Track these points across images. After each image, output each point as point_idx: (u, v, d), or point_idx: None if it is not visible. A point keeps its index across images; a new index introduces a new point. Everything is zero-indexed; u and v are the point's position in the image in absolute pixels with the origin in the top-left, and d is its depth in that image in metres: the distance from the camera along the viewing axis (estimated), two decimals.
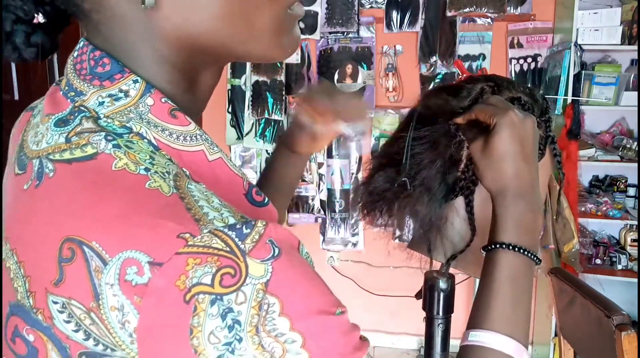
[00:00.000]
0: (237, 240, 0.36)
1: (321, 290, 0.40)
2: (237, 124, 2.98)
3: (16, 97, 2.63)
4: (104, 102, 0.43)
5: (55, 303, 0.38)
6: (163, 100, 0.44)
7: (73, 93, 0.44)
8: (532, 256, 0.58)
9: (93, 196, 0.38)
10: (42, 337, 0.39)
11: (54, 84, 0.48)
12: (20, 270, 0.40)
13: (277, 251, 0.37)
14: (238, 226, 0.37)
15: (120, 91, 0.43)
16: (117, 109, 0.43)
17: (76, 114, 0.43)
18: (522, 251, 0.57)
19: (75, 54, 0.46)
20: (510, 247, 0.57)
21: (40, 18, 0.46)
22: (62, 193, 0.39)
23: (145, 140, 0.42)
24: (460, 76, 0.77)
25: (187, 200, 0.38)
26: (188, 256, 0.35)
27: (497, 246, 0.58)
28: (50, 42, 0.48)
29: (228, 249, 0.36)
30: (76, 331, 0.38)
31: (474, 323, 0.56)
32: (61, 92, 0.46)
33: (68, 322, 0.38)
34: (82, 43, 0.46)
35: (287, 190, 0.84)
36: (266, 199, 0.47)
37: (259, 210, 0.46)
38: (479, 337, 0.54)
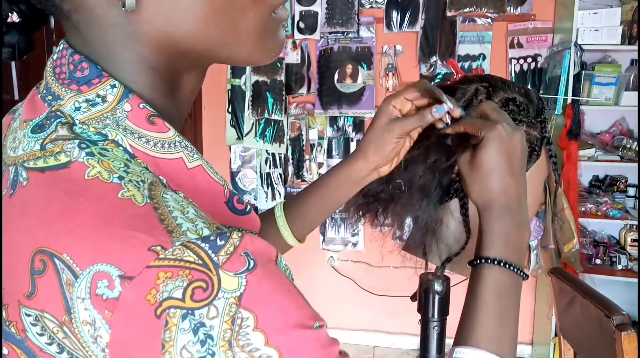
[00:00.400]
0: (210, 252, 0.35)
1: (298, 303, 0.38)
2: (237, 124, 2.99)
3: (16, 97, 2.63)
4: (80, 107, 0.42)
5: (28, 315, 0.37)
6: (141, 106, 0.43)
7: (51, 97, 0.44)
8: (519, 272, 0.57)
9: (65, 206, 0.37)
10: (16, 350, 0.39)
11: (34, 87, 0.47)
12: None
13: (252, 263, 0.36)
14: (212, 238, 0.36)
15: (98, 96, 0.42)
16: (93, 115, 0.42)
17: (52, 120, 0.42)
18: (508, 266, 0.57)
19: (55, 56, 0.45)
20: (496, 262, 0.57)
21: (14, 17, 0.44)
22: (35, 203, 0.38)
23: (121, 148, 0.41)
24: (454, 76, 0.76)
25: (160, 211, 0.37)
26: (159, 269, 0.34)
27: (483, 261, 0.57)
28: (25, 41, 0.46)
29: (200, 262, 0.35)
30: (50, 344, 0.37)
31: (459, 339, 0.56)
32: (39, 96, 0.45)
33: (41, 334, 0.37)
34: (62, 46, 0.45)
35: (332, 209, 0.80)
36: (248, 207, 0.46)
37: (240, 218, 0.45)
38: (464, 354, 0.54)
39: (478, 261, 0.58)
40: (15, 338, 0.38)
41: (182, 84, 0.48)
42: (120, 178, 0.38)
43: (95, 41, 0.43)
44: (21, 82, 2.71)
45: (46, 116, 0.43)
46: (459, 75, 0.76)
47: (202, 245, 0.35)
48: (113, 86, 0.43)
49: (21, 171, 0.41)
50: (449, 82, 0.74)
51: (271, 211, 0.79)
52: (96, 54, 0.44)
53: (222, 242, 0.36)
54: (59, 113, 0.42)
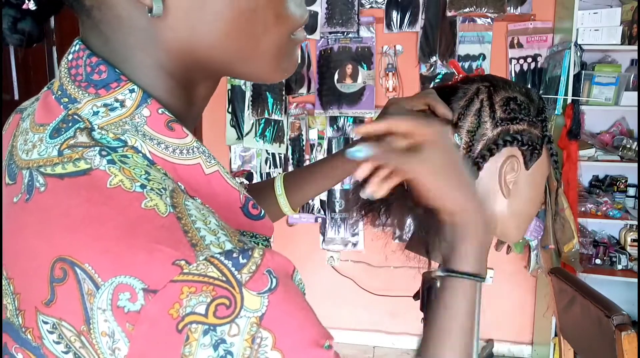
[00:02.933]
0: (233, 269, 0.35)
1: (312, 323, 0.39)
2: (237, 124, 2.99)
3: (16, 97, 2.63)
4: (98, 112, 0.42)
5: (46, 323, 0.37)
6: (160, 111, 0.43)
7: (67, 99, 0.43)
8: (476, 278, 0.58)
9: (87, 215, 0.37)
10: (31, 356, 0.39)
11: (46, 87, 0.47)
12: (10, 286, 0.39)
13: (274, 282, 0.36)
14: (235, 255, 0.36)
15: (116, 100, 0.42)
16: (112, 120, 0.42)
17: (70, 125, 0.42)
18: (460, 275, 0.57)
19: (70, 57, 0.45)
20: (466, 276, 0.57)
21: (31, 5, 0.44)
22: (55, 210, 0.38)
23: (140, 154, 0.41)
24: (456, 76, 0.77)
25: (184, 221, 0.37)
26: (183, 284, 0.34)
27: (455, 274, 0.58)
28: (37, 30, 0.45)
29: (224, 279, 0.35)
30: (66, 353, 0.37)
31: (428, 350, 0.56)
32: (53, 97, 0.44)
33: (58, 342, 0.37)
34: (77, 46, 0.45)
35: (332, 185, 0.85)
36: (262, 212, 0.47)
37: (254, 223, 0.46)
38: None
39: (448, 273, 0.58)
40: (31, 345, 0.38)
41: (196, 92, 0.48)
42: (143, 186, 0.38)
43: (116, 41, 0.43)
44: (21, 83, 2.71)
45: (62, 119, 0.42)
46: (460, 75, 0.76)
47: (226, 261, 0.36)
48: (132, 91, 0.42)
49: (37, 176, 0.40)
50: (450, 83, 0.75)
51: (271, 184, 0.83)
52: (115, 55, 0.43)
53: (245, 260, 0.36)
54: (76, 117, 0.42)
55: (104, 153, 0.40)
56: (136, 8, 0.41)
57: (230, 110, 2.98)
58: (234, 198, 0.45)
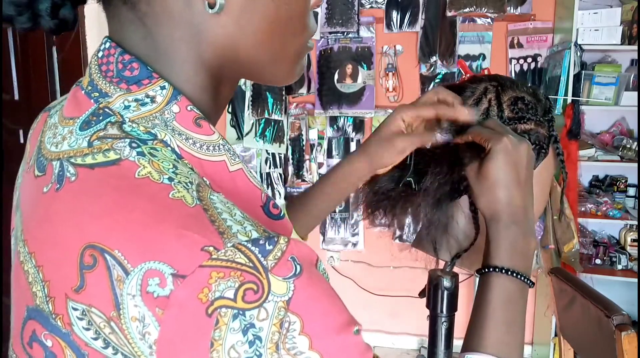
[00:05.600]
0: (259, 256, 0.36)
1: (339, 309, 0.40)
2: (237, 124, 2.99)
3: (16, 97, 2.63)
4: (129, 106, 0.43)
5: (75, 309, 0.38)
6: (189, 108, 0.44)
7: (97, 94, 0.44)
8: (525, 279, 0.59)
9: (116, 203, 0.38)
10: (61, 343, 0.39)
11: (75, 84, 0.48)
12: (39, 274, 0.40)
13: (298, 269, 0.37)
14: (261, 242, 0.37)
15: (147, 96, 0.43)
16: (142, 115, 0.43)
17: (101, 117, 0.43)
18: (514, 274, 0.58)
19: (100, 54, 0.46)
20: (504, 271, 0.58)
21: None
22: (84, 198, 0.39)
23: (169, 148, 0.42)
24: (463, 76, 0.77)
25: (210, 212, 0.38)
26: (212, 269, 0.35)
27: (491, 269, 0.59)
28: (73, 17, 0.46)
29: (251, 265, 0.36)
30: (95, 339, 0.38)
31: (469, 345, 0.57)
32: (83, 92, 0.45)
33: (87, 329, 0.38)
34: (108, 44, 0.46)
35: (334, 206, 0.83)
36: (282, 212, 0.48)
37: (274, 223, 0.46)
38: None
39: (486, 270, 0.59)
40: (61, 331, 0.39)
41: (222, 91, 0.49)
42: (170, 179, 0.39)
43: (158, 35, 0.44)
44: (21, 83, 2.71)
45: (92, 112, 0.43)
46: (468, 75, 0.77)
47: (252, 248, 0.36)
48: (162, 88, 0.44)
49: (67, 167, 0.41)
50: (458, 82, 0.75)
51: None
52: (154, 49, 0.45)
53: (271, 247, 0.37)
54: (107, 110, 0.43)
55: (134, 144, 0.41)
56: (190, 2, 0.42)
57: (230, 110, 2.98)
58: (255, 196, 0.46)
